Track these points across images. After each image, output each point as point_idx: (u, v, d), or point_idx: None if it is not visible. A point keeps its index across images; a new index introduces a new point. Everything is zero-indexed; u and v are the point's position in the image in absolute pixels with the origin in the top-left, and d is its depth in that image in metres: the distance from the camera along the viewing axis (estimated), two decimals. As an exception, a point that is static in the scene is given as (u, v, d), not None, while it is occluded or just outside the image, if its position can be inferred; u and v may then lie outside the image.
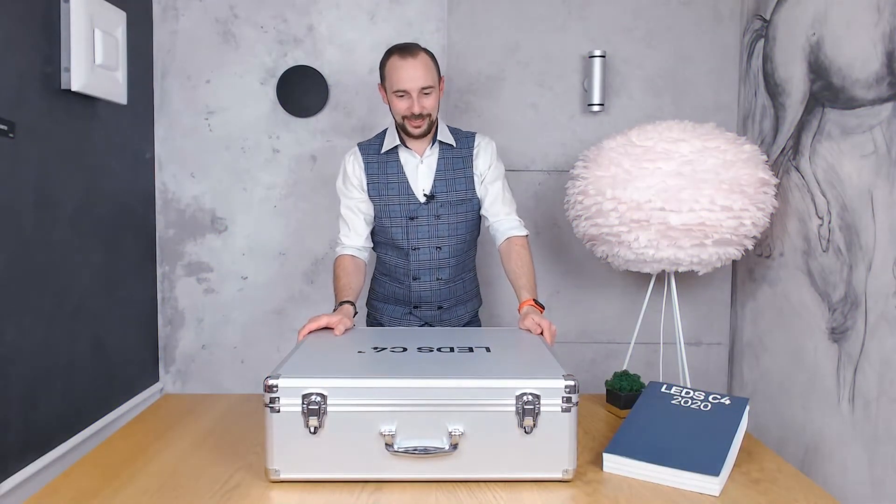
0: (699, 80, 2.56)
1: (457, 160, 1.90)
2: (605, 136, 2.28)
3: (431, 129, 1.86)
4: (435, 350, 1.39)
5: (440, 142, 1.89)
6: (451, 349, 1.40)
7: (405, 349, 1.39)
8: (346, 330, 1.56)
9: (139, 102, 2.46)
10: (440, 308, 1.96)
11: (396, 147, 1.89)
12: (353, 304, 1.72)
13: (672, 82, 2.56)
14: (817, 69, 2.01)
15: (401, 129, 1.85)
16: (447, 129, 1.93)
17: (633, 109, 2.57)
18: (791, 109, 2.16)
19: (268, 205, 2.61)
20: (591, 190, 2.03)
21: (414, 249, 1.89)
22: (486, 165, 1.91)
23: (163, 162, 2.59)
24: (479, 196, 1.92)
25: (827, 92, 1.96)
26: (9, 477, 1.77)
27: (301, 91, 2.55)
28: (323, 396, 1.17)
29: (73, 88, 1.95)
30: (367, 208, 1.90)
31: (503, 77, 2.57)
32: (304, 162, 2.60)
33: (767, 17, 2.33)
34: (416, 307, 1.96)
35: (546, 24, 2.56)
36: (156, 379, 2.63)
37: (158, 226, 2.61)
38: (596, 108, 2.52)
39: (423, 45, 1.83)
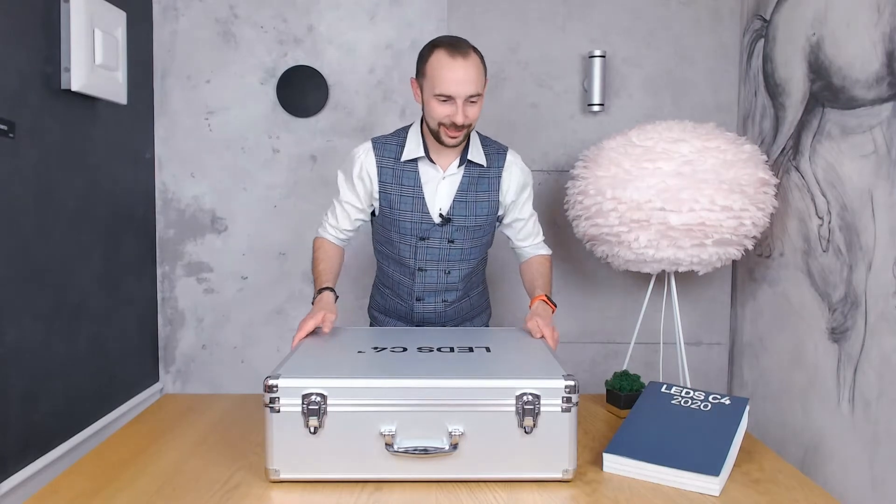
0: (699, 80, 2.56)
1: (482, 181, 1.69)
2: (605, 136, 2.29)
3: (465, 140, 1.66)
4: (435, 350, 1.39)
5: (469, 161, 1.68)
6: (451, 349, 1.40)
7: (405, 349, 1.39)
8: (332, 321, 1.53)
9: (139, 102, 2.46)
10: (445, 326, 1.85)
11: (418, 157, 1.67)
12: (332, 290, 1.64)
13: (672, 82, 2.56)
14: (817, 69, 2.01)
15: (433, 136, 1.62)
16: (480, 143, 1.71)
17: (633, 109, 2.57)
18: (791, 109, 2.16)
19: (268, 205, 2.61)
20: (591, 190, 2.03)
21: (420, 270, 1.74)
22: (516, 191, 1.74)
23: (163, 162, 2.59)
24: (500, 215, 1.76)
25: (827, 92, 1.96)
26: (9, 477, 1.77)
27: (301, 91, 2.55)
28: (323, 396, 1.17)
29: (73, 88, 1.95)
30: (362, 215, 1.76)
31: (503, 77, 2.57)
32: (304, 162, 2.60)
33: (767, 17, 2.32)
34: (418, 325, 1.83)
35: (546, 24, 2.56)
36: (156, 379, 2.63)
37: (158, 226, 2.61)
38: (596, 108, 2.52)
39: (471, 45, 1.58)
